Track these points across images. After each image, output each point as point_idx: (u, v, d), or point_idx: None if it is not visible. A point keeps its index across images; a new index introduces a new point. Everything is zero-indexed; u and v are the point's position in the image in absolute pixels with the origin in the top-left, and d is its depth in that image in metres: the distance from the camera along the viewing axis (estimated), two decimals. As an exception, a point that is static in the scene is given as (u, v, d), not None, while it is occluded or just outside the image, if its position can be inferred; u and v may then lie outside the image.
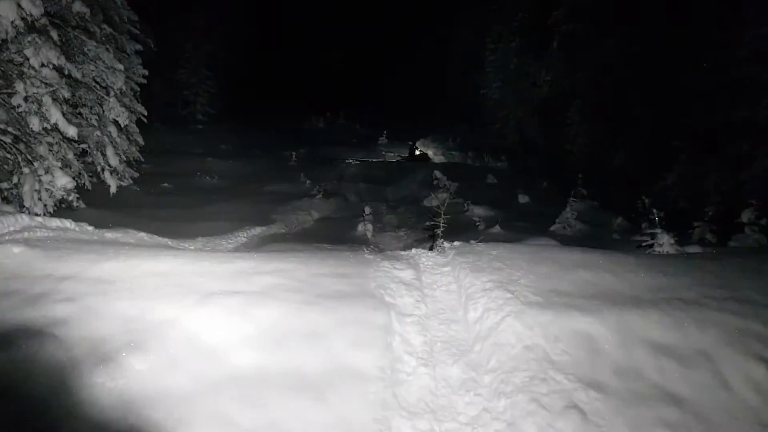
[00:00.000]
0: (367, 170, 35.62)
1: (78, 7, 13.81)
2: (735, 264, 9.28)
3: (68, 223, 10.72)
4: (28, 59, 12.15)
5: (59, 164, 13.34)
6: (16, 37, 11.96)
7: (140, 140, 18.27)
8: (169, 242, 12.23)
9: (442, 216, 11.10)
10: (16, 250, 7.45)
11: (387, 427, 5.08)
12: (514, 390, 5.57)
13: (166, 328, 5.84)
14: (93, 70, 14.63)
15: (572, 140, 34.16)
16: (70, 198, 13.63)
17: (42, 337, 5.32)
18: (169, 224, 15.62)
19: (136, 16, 18.58)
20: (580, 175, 24.72)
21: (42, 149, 12.93)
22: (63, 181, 13.07)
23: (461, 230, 16.53)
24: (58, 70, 12.81)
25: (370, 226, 18.95)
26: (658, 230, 13.39)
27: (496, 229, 17.55)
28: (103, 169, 15.85)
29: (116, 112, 15.44)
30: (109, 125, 15.86)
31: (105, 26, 16.00)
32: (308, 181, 27.63)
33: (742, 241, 15.54)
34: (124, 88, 15.74)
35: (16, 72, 12.33)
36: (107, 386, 4.92)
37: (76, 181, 14.20)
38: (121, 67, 15.32)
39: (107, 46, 15.32)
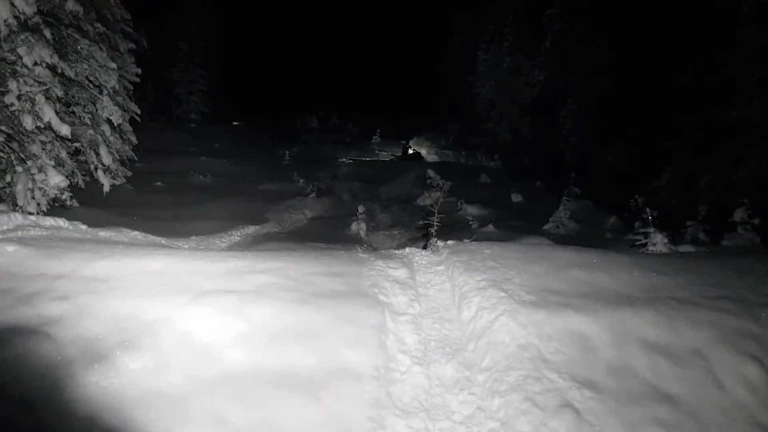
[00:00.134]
0: (361, 169, 35.64)
1: (71, 5, 13.76)
2: (728, 263, 9.31)
3: (62, 222, 10.69)
4: (21, 58, 12.12)
5: (52, 163, 13.31)
6: (9, 35, 11.93)
7: (133, 139, 18.22)
8: (163, 241, 12.22)
9: (436, 215, 11.10)
10: (10, 248, 7.43)
11: (381, 425, 5.08)
12: (508, 389, 5.58)
13: (160, 327, 5.84)
14: (86, 69, 14.58)
15: (565, 139, 34.22)
16: (64, 197, 13.58)
17: (36, 336, 5.31)
18: (163, 223, 15.60)
19: (129, 15, 18.52)
20: (573, 174, 24.73)
21: (35, 148, 12.90)
22: (56, 180, 13.04)
23: (455, 229, 16.53)
24: (51, 68, 12.78)
25: (363, 225, 18.94)
26: (652, 229, 13.43)
27: (490, 228, 17.55)
28: (96, 168, 15.80)
29: (109, 110, 15.41)
30: (103, 124, 15.82)
31: (98, 25, 15.94)
32: (301, 180, 27.62)
33: (734, 240, 15.57)
34: (117, 86, 15.68)
35: (9, 70, 12.29)
36: (101, 385, 4.91)
37: (70, 180, 14.17)
38: (114, 65, 15.28)
39: (100, 45, 15.27)
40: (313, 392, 5.24)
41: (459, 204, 21.74)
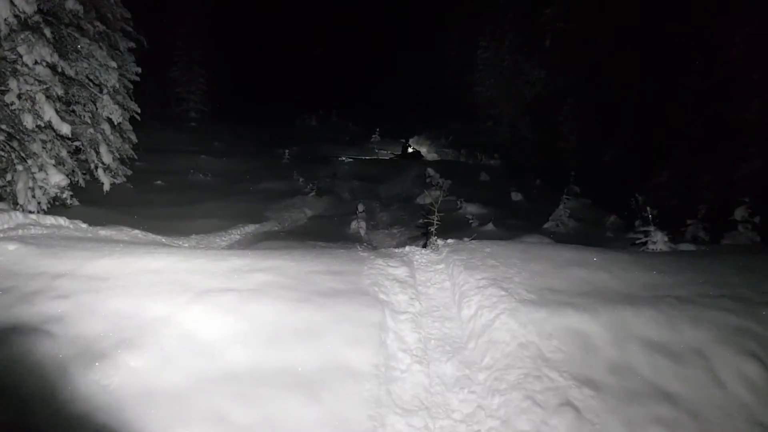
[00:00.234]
0: (360, 168, 35.58)
1: (71, 4, 13.75)
2: (728, 261, 9.32)
3: (62, 221, 10.70)
4: (21, 57, 12.11)
5: (53, 162, 13.31)
6: (9, 34, 11.92)
7: (134, 138, 18.19)
8: (163, 240, 12.23)
9: (436, 213, 11.10)
10: (11, 247, 7.44)
11: (381, 424, 5.09)
12: (509, 387, 5.59)
13: (161, 326, 5.84)
14: (86, 68, 14.56)
15: (565, 138, 34.22)
16: (64, 195, 13.58)
17: (37, 335, 5.32)
18: (163, 222, 15.62)
19: (129, 14, 18.49)
20: (573, 172, 24.71)
21: (35, 147, 12.90)
22: (57, 179, 13.03)
23: (454, 228, 16.53)
24: (52, 67, 12.77)
25: (363, 224, 18.93)
26: (652, 228, 13.43)
27: (490, 226, 17.54)
28: (96, 167, 15.79)
29: (110, 109, 15.39)
30: (103, 123, 15.80)
31: (98, 24, 15.93)
32: (301, 179, 27.58)
33: (735, 238, 15.59)
34: (117, 85, 15.66)
35: (10, 69, 12.29)
36: (102, 383, 4.92)
37: (70, 179, 14.16)
38: (114, 64, 15.25)
39: (100, 44, 15.25)
40: (313, 391, 5.25)
41: (459, 203, 21.73)
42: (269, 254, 8.78)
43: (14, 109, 12.35)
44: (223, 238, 15.30)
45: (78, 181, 15.06)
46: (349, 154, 42.45)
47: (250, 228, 17.08)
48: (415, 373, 6.00)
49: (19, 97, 12.27)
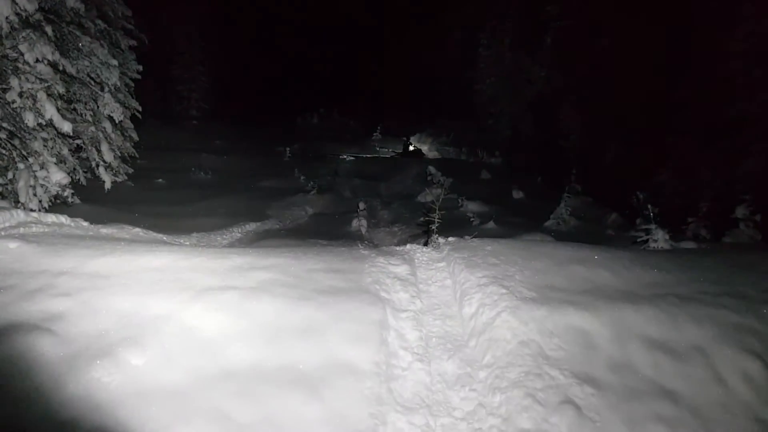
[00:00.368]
0: (361, 166, 35.58)
1: (72, 2, 13.77)
2: (729, 260, 9.33)
3: (64, 219, 10.69)
4: (22, 55, 12.11)
5: (54, 160, 13.31)
6: (10, 32, 11.92)
7: (135, 136, 18.23)
8: (165, 238, 12.22)
9: (437, 212, 11.10)
10: (12, 245, 7.44)
11: (382, 422, 5.09)
12: (510, 385, 5.59)
13: (162, 324, 5.85)
14: (87, 66, 14.57)
15: (566, 136, 34.16)
16: (65, 194, 13.59)
17: (38, 332, 5.32)
18: (164, 220, 15.62)
19: (130, 12, 18.53)
20: (574, 170, 24.72)
21: (37, 145, 12.91)
22: (58, 177, 13.04)
23: (455, 226, 16.55)
24: (53, 65, 12.77)
25: (364, 222, 18.94)
26: (653, 226, 13.44)
27: (491, 224, 17.54)
28: (97, 165, 15.82)
29: (111, 107, 15.39)
30: (104, 121, 15.82)
31: (99, 22, 15.96)
32: (302, 177, 27.61)
33: (736, 236, 15.60)
34: (118, 83, 15.66)
35: (11, 68, 12.29)
36: (103, 381, 4.92)
37: (71, 177, 14.19)
38: (115, 62, 15.25)
39: (101, 42, 15.26)
40: (315, 388, 5.25)
41: (460, 201, 21.73)
42: (270, 252, 8.78)
43: (15, 108, 12.36)
44: (225, 236, 15.31)
45: (79, 179, 15.08)
46: (351, 152, 42.46)
47: (252, 226, 17.09)
48: (416, 371, 6.00)
49: (20, 95, 12.27)
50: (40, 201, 12.93)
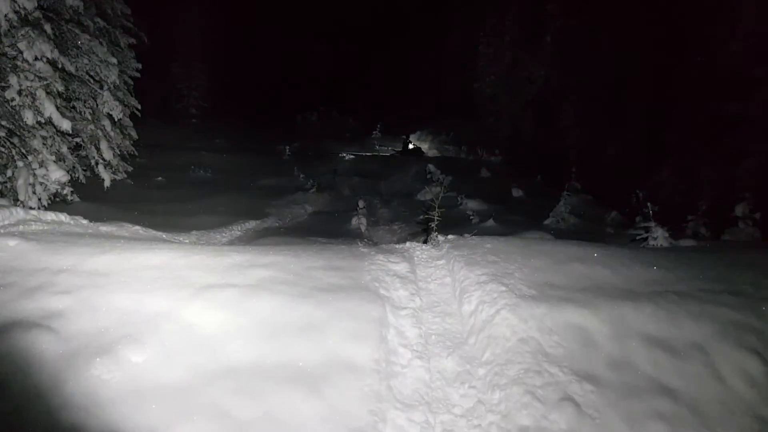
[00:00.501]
0: (361, 164, 35.56)
1: (71, 0, 13.76)
2: (729, 257, 9.34)
3: (63, 217, 10.69)
4: (21, 53, 12.10)
5: (53, 158, 13.31)
6: (9, 30, 11.92)
7: (134, 134, 18.21)
8: (164, 236, 12.22)
9: (437, 209, 11.11)
10: (12, 243, 7.44)
11: (382, 419, 5.09)
12: (509, 382, 5.59)
13: (162, 321, 5.85)
14: (86, 64, 14.56)
15: (566, 134, 34.17)
16: (65, 192, 13.58)
17: (38, 330, 5.32)
18: (164, 218, 15.62)
19: (129, 10, 18.52)
20: (573, 169, 24.74)
21: (36, 143, 12.90)
22: (57, 175, 13.03)
23: (455, 224, 16.56)
24: (52, 63, 12.77)
25: (363, 220, 18.95)
26: (653, 224, 13.45)
27: (490, 222, 17.56)
28: (97, 163, 15.81)
29: (110, 105, 15.38)
30: (103, 119, 15.81)
31: (98, 20, 15.95)
32: (302, 175, 27.65)
33: (735, 234, 15.64)
34: (117, 81, 15.65)
35: (10, 65, 12.29)
36: (103, 378, 4.93)
37: (71, 175, 14.18)
38: (114, 60, 15.25)
39: (100, 40, 15.27)
40: (314, 386, 5.25)
41: (459, 199, 21.74)
42: (270, 250, 8.79)
43: (15, 105, 12.35)
44: (224, 234, 15.31)
45: (78, 177, 15.07)
46: (350, 150, 42.41)
47: (251, 224, 17.10)
48: (416, 368, 6.01)
49: (19, 93, 12.27)
50: (39, 199, 12.93)
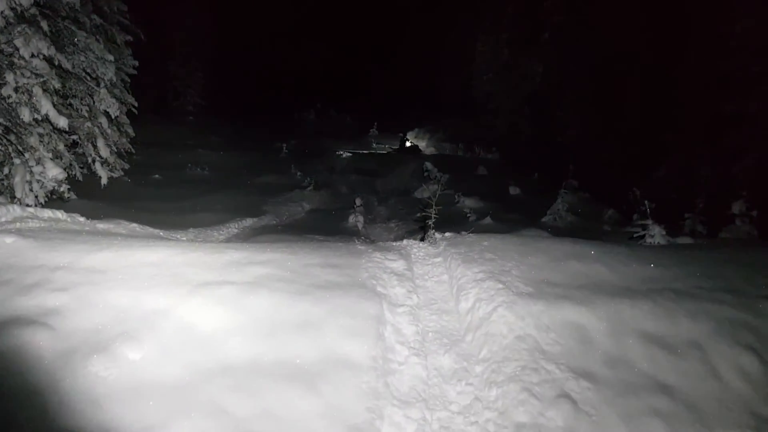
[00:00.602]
0: (358, 162, 35.53)
1: (68, -3, 13.77)
2: (726, 255, 9.36)
3: (60, 214, 10.68)
4: (18, 49, 12.09)
5: (50, 155, 13.30)
6: (5, 27, 11.91)
7: (131, 131, 18.20)
8: (161, 233, 12.21)
9: (434, 207, 11.11)
10: (9, 240, 7.42)
11: (379, 415, 5.10)
12: (506, 379, 5.60)
13: (159, 318, 5.85)
14: (83, 61, 14.54)
15: (563, 132, 34.15)
16: (62, 189, 13.58)
17: (35, 327, 5.32)
18: (161, 215, 15.60)
19: (125, 7, 18.50)
20: (571, 166, 24.71)
21: (33, 140, 12.88)
22: (54, 172, 13.03)
23: (452, 221, 16.54)
24: (49, 60, 12.75)
25: (361, 218, 18.94)
26: (650, 221, 13.47)
27: (487, 220, 17.56)
28: (94, 161, 15.81)
29: (107, 103, 15.37)
30: (100, 116, 15.80)
31: (95, 17, 15.92)
32: (299, 173, 27.63)
33: (733, 232, 15.67)
34: (114, 78, 15.64)
35: (6, 62, 12.27)
36: (100, 375, 4.93)
37: (67, 173, 14.18)
38: (111, 57, 15.22)
39: (97, 37, 15.24)
40: (312, 383, 5.25)
41: (457, 196, 21.74)
42: (267, 247, 8.78)
43: (11, 102, 12.34)
44: (221, 232, 15.30)
45: (75, 174, 15.06)
46: (347, 148, 42.35)
47: (248, 222, 17.08)
48: (413, 366, 6.01)
49: (16, 90, 12.26)
50: (36, 196, 12.92)
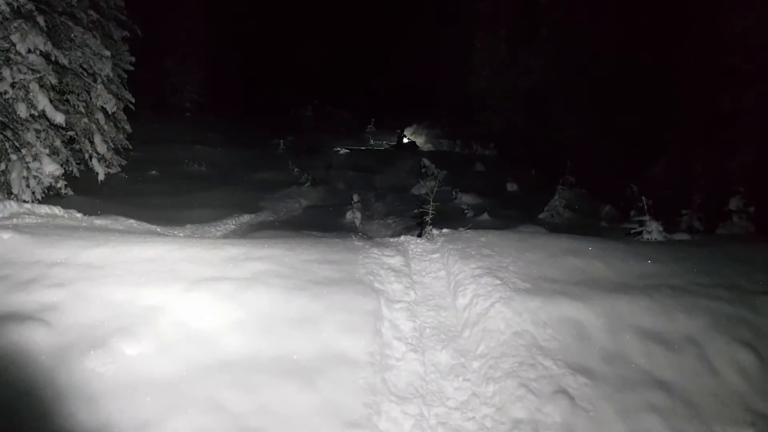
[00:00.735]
0: (356, 158, 35.59)
1: (64, -8, 13.72)
2: (723, 251, 9.36)
3: (57, 210, 10.65)
4: (14, 45, 12.04)
5: (47, 151, 13.26)
6: (2, 22, 11.87)
7: (128, 127, 18.12)
8: (158, 229, 12.19)
9: (431, 203, 11.11)
10: (5, 236, 7.40)
11: (377, 411, 5.10)
12: (503, 375, 5.61)
13: (156, 314, 5.84)
14: (80, 57, 14.48)
15: (561, 128, 34.15)
16: (59, 185, 13.54)
17: (32, 323, 5.31)
18: (158, 211, 15.58)
19: (122, 2, 18.41)
20: (568, 163, 24.73)
21: (29, 136, 12.85)
22: (51, 168, 12.99)
23: (450, 218, 16.56)
24: (45, 56, 12.71)
25: (358, 214, 18.93)
26: (647, 218, 13.48)
27: (485, 216, 17.57)
28: (91, 157, 15.74)
29: (104, 99, 15.31)
30: (97, 112, 15.74)
31: (92, 12, 15.85)
32: (296, 169, 27.62)
33: (729, 228, 15.66)
34: (111, 74, 15.58)
35: (3, 58, 12.23)
36: (98, 371, 4.92)
37: (64, 169, 14.12)
38: (108, 53, 15.16)
39: (94, 33, 15.17)
40: (309, 378, 5.25)
41: (454, 193, 21.76)
42: (265, 243, 8.76)
43: (8, 98, 12.30)
44: (218, 228, 15.29)
45: (72, 170, 15.01)
46: (345, 144, 42.37)
47: (246, 218, 17.07)
48: (410, 361, 6.01)
49: (12, 85, 12.22)
50: (33, 192, 12.89)
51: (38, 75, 12.45)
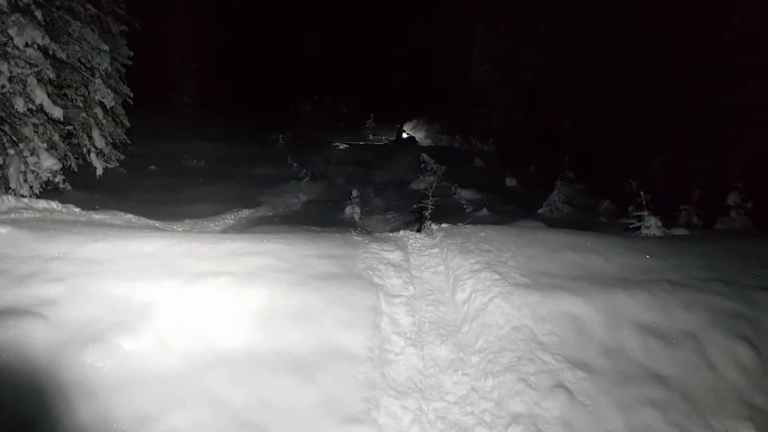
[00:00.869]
0: (355, 153, 35.58)
1: (62, -14, 13.69)
2: (721, 246, 9.37)
3: (55, 205, 10.64)
4: (12, 39, 12.00)
5: (45, 146, 13.25)
6: (-1, 16, 11.84)
7: (126, 122, 18.10)
8: (157, 224, 12.18)
9: (430, 198, 11.10)
10: (3, 230, 7.39)
11: (376, 405, 5.10)
12: (502, 370, 5.61)
13: (155, 309, 5.83)
14: (78, 51, 14.45)
15: (560, 124, 34.12)
16: (57, 180, 13.53)
17: (31, 317, 5.30)
18: (157, 206, 15.56)
19: (121, -4, 18.42)
20: (567, 158, 24.73)
21: (27, 130, 12.83)
22: (49, 163, 12.98)
23: (449, 213, 16.53)
24: (43, 50, 12.68)
25: (357, 209, 18.93)
26: (645, 213, 13.50)
27: (484, 211, 17.58)
28: (89, 151, 15.72)
29: (102, 93, 15.29)
30: (95, 107, 15.72)
31: (89, 6, 15.81)
32: (295, 165, 27.60)
33: (728, 223, 15.68)
34: (109, 69, 15.56)
35: (0, 52, 12.20)
36: (96, 366, 4.92)
37: (62, 163, 14.11)
38: (106, 47, 15.14)
39: (92, 27, 15.15)
40: (308, 373, 5.25)
41: (453, 188, 21.77)
42: (264, 238, 8.75)
43: (5, 93, 12.27)
44: (217, 223, 15.26)
45: (70, 165, 14.99)
46: (344, 139, 42.36)
47: (245, 213, 17.05)
48: (409, 356, 6.01)
49: (10, 80, 12.19)
50: (31, 187, 12.87)
51: (36, 69, 12.42)
